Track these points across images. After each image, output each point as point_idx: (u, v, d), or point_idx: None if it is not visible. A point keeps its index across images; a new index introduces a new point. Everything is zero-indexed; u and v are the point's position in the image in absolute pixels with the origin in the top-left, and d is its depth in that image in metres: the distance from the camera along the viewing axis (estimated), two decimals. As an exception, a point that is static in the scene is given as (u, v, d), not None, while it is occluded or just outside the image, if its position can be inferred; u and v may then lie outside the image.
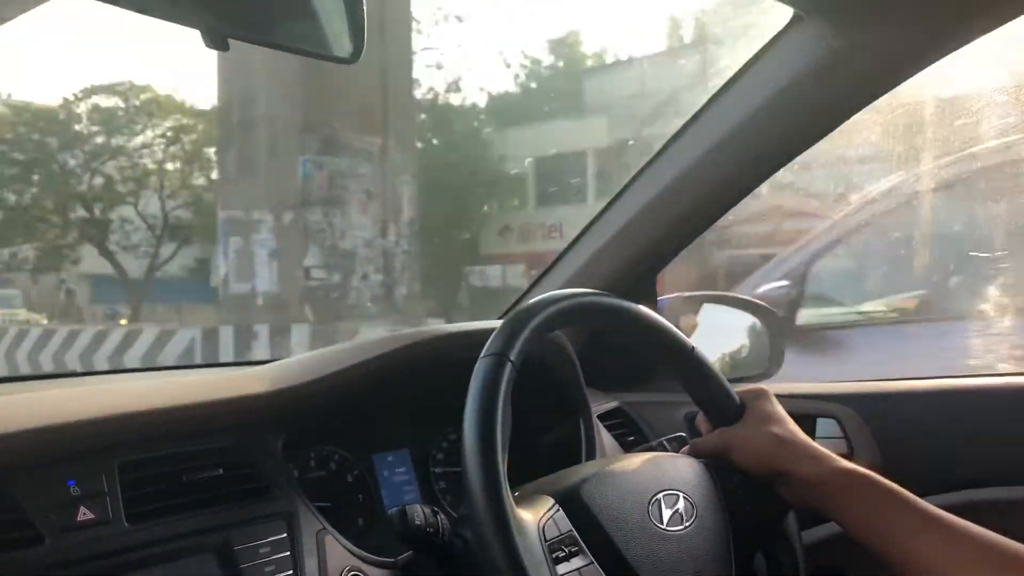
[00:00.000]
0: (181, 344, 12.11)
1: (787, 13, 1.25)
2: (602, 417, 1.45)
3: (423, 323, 10.12)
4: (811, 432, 1.41)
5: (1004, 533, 0.98)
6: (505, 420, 0.93)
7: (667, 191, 1.47)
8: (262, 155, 12.51)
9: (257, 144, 12.55)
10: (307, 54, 1.03)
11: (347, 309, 12.00)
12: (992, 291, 3.55)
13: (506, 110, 22.31)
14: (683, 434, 1.23)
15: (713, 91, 1.41)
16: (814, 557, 1.14)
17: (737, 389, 1.15)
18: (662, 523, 0.99)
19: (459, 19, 26.11)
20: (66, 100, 22.97)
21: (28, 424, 0.95)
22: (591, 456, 1.32)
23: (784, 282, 3.59)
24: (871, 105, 1.33)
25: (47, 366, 12.75)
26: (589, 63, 24.05)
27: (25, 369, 12.78)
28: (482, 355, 0.96)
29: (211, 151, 23.83)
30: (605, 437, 1.39)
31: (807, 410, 1.45)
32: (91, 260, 23.67)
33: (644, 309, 1.10)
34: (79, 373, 1.78)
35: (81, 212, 22.74)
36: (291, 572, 1.01)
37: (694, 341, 1.13)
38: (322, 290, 12.13)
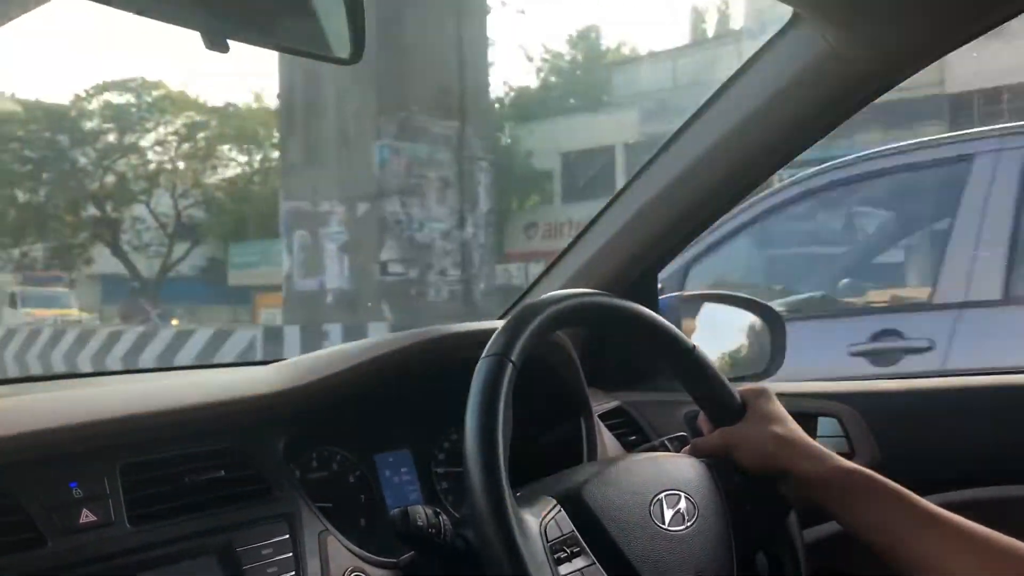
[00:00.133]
0: (239, 344, 11.41)
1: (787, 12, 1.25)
2: (603, 417, 1.45)
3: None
4: (812, 431, 1.41)
5: (1005, 531, 0.98)
6: (506, 420, 0.93)
7: (667, 191, 1.47)
8: (331, 141, 11.59)
9: (326, 130, 11.63)
10: (307, 55, 1.04)
11: (426, 307, 11.21)
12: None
13: (530, 104, 22.19)
14: (684, 434, 1.23)
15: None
16: (815, 556, 1.14)
17: (738, 388, 1.15)
18: (663, 523, 0.99)
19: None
20: (77, 97, 23.02)
21: (30, 426, 0.95)
22: (592, 456, 1.32)
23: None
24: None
25: (114, 364, 12.35)
26: (617, 56, 23.86)
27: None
28: (483, 355, 0.97)
29: (225, 148, 23.82)
30: (606, 437, 1.39)
31: (808, 409, 1.45)
32: (103, 260, 23.63)
33: (644, 309, 1.11)
34: (83, 374, 1.79)
35: (93, 211, 22.74)
36: (293, 573, 1.01)
37: (695, 340, 1.13)
38: (399, 286, 11.33)
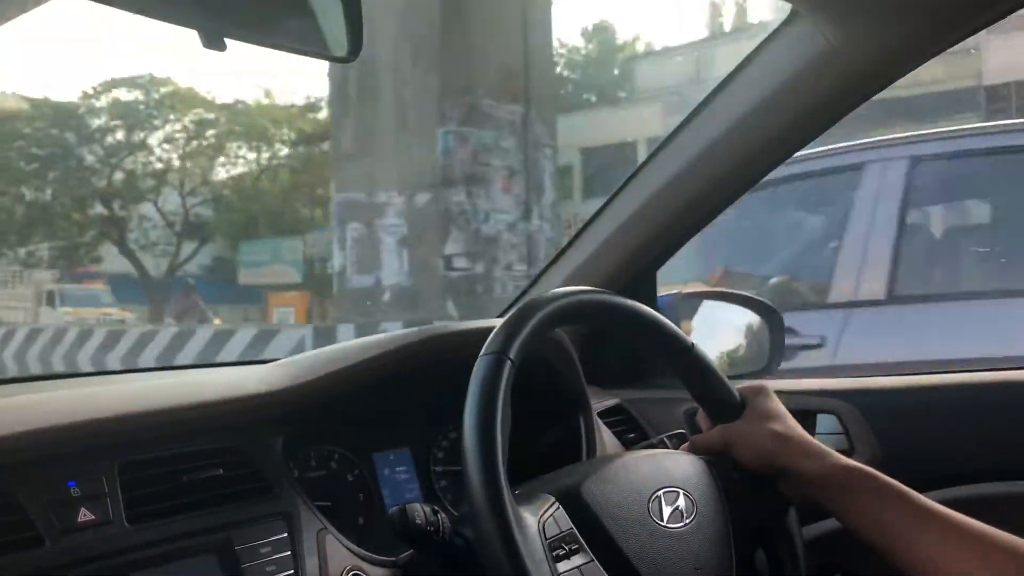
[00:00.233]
0: (287, 344, 10.73)
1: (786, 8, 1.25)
2: (602, 414, 1.45)
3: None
4: (811, 428, 1.41)
5: (1004, 528, 0.98)
6: (505, 418, 0.93)
7: (666, 188, 1.47)
8: (389, 127, 10.64)
9: (383, 115, 10.69)
10: (304, 53, 1.04)
11: (494, 304, 10.28)
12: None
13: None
14: (683, 431, 1.23)
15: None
16: (815, 553, 1.14)
17: (737, 386, 1.15)
18: (662, 520, 0.99)
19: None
20: (85, 94, 22.91)
21: (28, 425, 0.95)
22: (591, 454, 1.32)
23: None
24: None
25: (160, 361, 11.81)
26: (632, 50, 23.63)
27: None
28: (482, 353, 0.97)
29: (234, 145, 23.70)
30: (605, 434, 1.39)
31: (807, 406, 1.44)
32: (111, 259, 23.50)
33: (643, 307, 1.11)
34: (83, 373, 1.79)
35: (100, 209, 22.65)
36: (292, 572, 1.01)
37: (693, 338, 1.13)
38: (464, 282, 10.45)
